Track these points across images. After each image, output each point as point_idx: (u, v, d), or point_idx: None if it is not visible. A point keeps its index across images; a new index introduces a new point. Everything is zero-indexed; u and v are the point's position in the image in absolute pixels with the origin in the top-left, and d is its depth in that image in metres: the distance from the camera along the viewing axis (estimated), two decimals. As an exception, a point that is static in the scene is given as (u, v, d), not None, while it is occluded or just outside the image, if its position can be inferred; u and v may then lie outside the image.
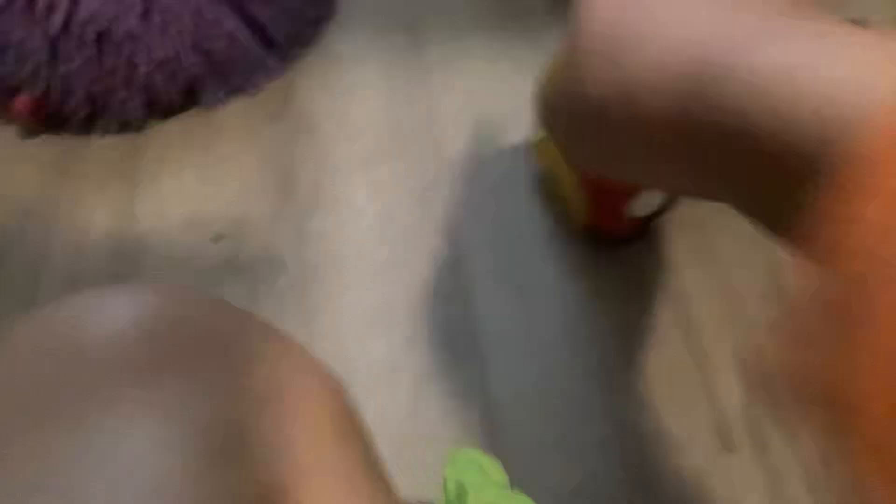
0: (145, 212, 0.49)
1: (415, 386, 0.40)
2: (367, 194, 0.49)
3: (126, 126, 0.54)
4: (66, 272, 0.46)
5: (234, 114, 0.55)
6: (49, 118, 0.54)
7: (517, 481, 0.34)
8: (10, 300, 0.45)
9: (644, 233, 0.45)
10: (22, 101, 0.53)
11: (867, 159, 0.22)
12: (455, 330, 0.42)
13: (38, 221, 0.49)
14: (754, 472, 0.37)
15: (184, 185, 0.50)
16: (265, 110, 0.55)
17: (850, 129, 0.24)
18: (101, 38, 0.51)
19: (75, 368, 0.23)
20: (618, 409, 0.39)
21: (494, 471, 0.30)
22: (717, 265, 0.44)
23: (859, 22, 0.33)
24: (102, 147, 0.53)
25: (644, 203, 0.43)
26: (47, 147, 0.53)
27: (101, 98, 0.53)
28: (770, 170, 0.26)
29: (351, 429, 0.27)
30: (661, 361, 0.40)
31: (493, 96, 0.54)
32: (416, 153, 0.51)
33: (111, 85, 0.53)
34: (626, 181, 0.39)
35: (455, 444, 0.38)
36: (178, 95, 0.55)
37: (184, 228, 0.48)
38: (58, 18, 0.50)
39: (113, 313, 0.24)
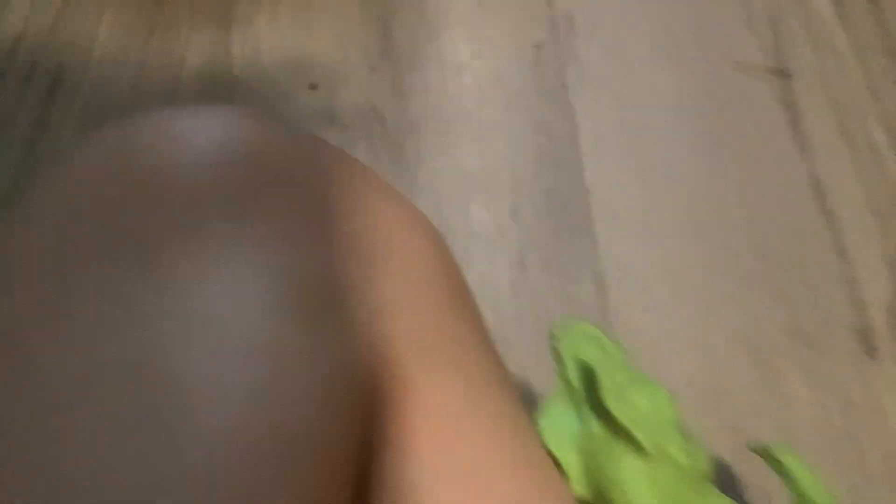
0: (239, 54, 0.46)
1: (518, 257, 0.37)
2: (470, 50, 0.45)
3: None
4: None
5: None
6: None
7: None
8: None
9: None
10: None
11: None
12: (564, 200, 0.39)
13: (132, 58, 0.46)
14: None
15: (280, 29, 0.47)
16: (364, -43, 0.51)
17: None
18: None
19: (152, 195, 0.19)
20: (746, 303, 0.35)
21: (614, 347, 0.26)
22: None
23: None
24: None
25: None
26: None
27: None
28: None
29: (463, 296, 0.24)
30: (795, 249, 0.36)
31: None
32: (526, 5, 0.46)
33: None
34: None
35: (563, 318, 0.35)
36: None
37: (278, 74, 0.44)
38: None
39: (199, 135, 0.20)
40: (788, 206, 0.38)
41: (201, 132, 0.20)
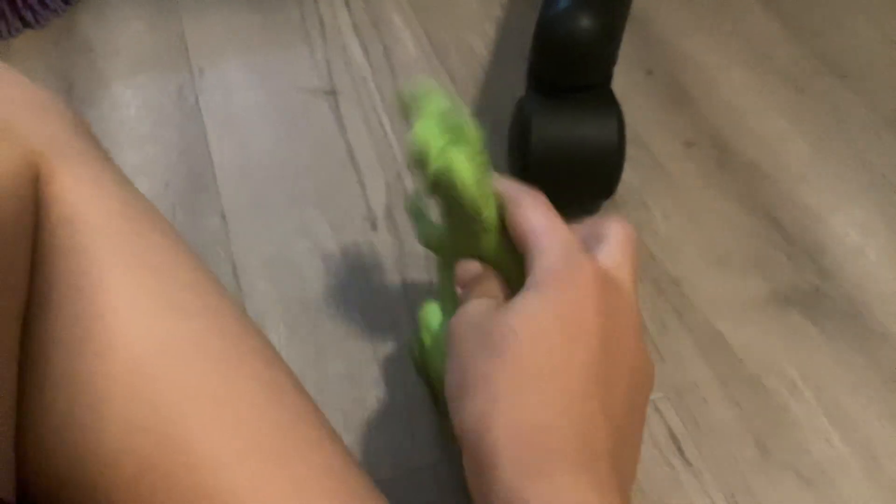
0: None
1: (171, 209, 0.60)
2: (131, 92, 0.68)
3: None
4: None
5: (27, 41, 0.72)
6: None
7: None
8: None
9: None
10: None
11: None
12: (198, 175, 0.62)
13: None
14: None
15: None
16: (52, 38, 0.72)
17: None
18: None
19: None
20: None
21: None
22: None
23: None
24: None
25: None
26: None
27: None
28: None
29: (88, 133, 0.36)
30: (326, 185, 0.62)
31: (224, 29, 0.74)
32: (168, 65, 0.70)
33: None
34: None
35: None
36: (-22, 27, 0.71)
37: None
38: None
39: None
40: (333, 161, 0.64)
41: None
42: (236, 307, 0.36)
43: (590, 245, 0.37)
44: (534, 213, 0.36)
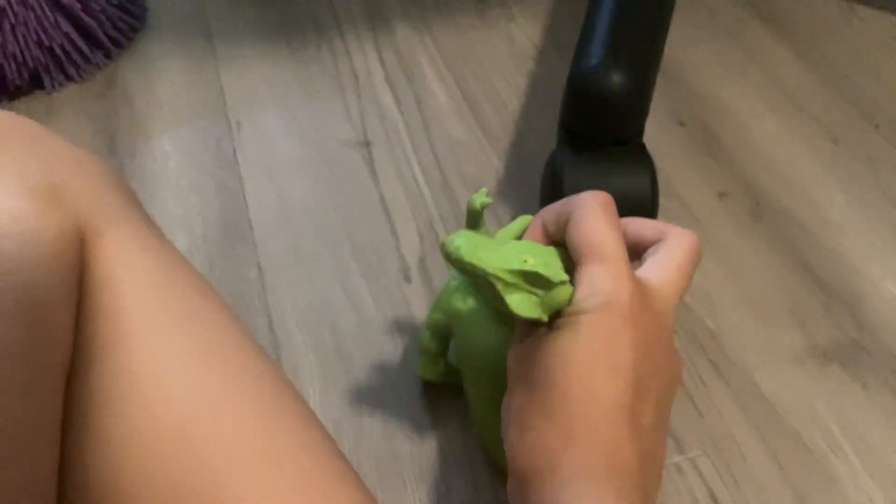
0: None
1: (208, 260, 0.61)
2: (171, 145, 0.69)
3: (-18, 104, 0.71)
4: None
5: (68, 95, 0.74)
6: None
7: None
8: None
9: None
10: None
11: None
12: (235, 226, 0.63)
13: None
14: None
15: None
16: (93, 92, 0.74)
17: None
18: (-38, 36, 0.69)
19: None
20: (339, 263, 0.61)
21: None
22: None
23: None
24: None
25: None
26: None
27: (-38, 82, 0.70)
28: None
29: (128, 193, 0.37)
30: (363, 232, 0.63)
31: (261, 83, 0.75)
32: (207, 118, 0.72)
33: (-29, 72, 0.70)
34: None
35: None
36: (23, 82, 0.73)
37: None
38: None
39: None
40: (367, 212, 0.65)
41: None
42: (274, 367, 0.37)
43: (647, 247, 0.39)
44: (585, 228, 0.36)
